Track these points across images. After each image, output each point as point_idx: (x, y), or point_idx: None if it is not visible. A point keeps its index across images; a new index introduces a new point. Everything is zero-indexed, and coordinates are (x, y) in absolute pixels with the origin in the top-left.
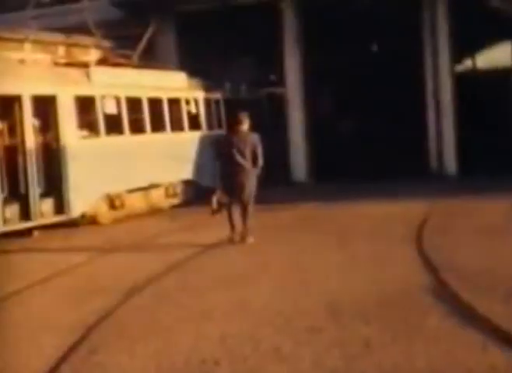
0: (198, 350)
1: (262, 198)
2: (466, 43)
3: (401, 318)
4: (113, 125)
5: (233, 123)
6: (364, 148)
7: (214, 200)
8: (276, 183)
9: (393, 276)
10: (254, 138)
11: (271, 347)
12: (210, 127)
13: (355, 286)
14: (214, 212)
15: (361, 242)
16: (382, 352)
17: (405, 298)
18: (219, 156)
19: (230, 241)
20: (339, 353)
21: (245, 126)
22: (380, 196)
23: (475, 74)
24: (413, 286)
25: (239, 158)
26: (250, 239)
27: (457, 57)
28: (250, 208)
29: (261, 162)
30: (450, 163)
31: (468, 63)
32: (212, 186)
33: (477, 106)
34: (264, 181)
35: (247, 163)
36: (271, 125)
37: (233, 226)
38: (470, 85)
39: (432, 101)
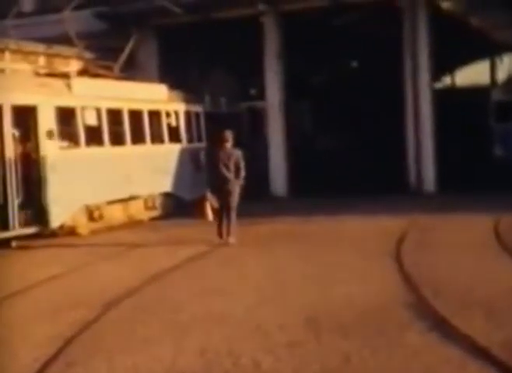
0: (177, 364)
1: (242, 212)
2: (446, 61)
3: (380, 333)
4: (94, 136)
5: (218, 140)
6: (343, 163)
7: (208, 208)
8: (256, 197)
9: (372, 291)
10: (238, 154)
11: (251, 362)
12: (190, 139)
13: (335, 301)
14: (209, 216)
15: (340, 257)
16: (362, 367)
17: (384, 313)
18: (210, 169)
19: (219, 240)
20: (319, 368)
21: (230, 143)
22: (359, 212)
23: (454, 92)
24: (393, 301)
25: (224, 170)
26: (233, 240)
27: (436, 74)
28: (233, 214)
29: (243, 174)
30: (429, 180)
31: (447, 80)
32: (192, 198)
33: (456, 123)
34: (245, 195)
35: (231, 175)
36: (251, 139)
37: (220, 232)
38: (449, 103)
39: (411, 118)
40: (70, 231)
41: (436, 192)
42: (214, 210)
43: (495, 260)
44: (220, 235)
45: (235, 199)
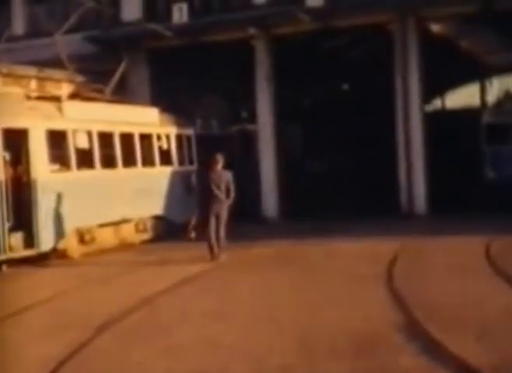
0: None
1: (234, 234)
2: (436, 84)
3: (373, 357)
4: (85, 159)
5: (209, 162)
6: (334, 186)
7: (190, 227)
8: (247, 219)
9: (365, 314)
10: (228, 176)
11: None
12: (181, 162)
13: (327, 324)
14: (191, 237)
15: (332, 280)
16: None
17: (376, 336)
18: (201, 191)
19: (211, 257)
20: None
21: (220, 165)
22: (350, 235)
23: (445, 114)
24: (385, 324)
25: (215, 191)
26: (223, 257)
27: (427, 97)
28: (223, 232)
29: (233, 194)
30: (420, 202)
31: (438, 103)
32: (183, 221)
33: (447, 145)
34: (236, 217)
35: (222, 195)
36: (243, 162)
37: (211, 248)
38: (440, 125)
39: (402, 140)
40: (61, 255)
41: (428, 214)
42: (198, 230)
43: (486, 283)
44: (212, 253)
45: (224, 219)
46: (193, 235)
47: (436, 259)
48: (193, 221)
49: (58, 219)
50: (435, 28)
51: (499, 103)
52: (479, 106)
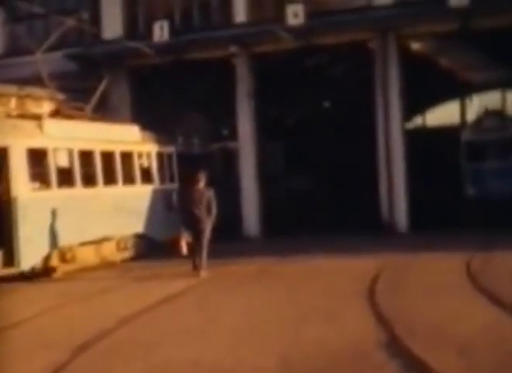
0: None
1: (215, 252)
2: (417, 101)
3: None
4: (66, 178)
5: (191, 180)
6: (316, 203)
7: (183, 243)
8: (229, 237)
9: (346, 331)
10: (209, 194)
11: None
12: (162, 180)
13: (309, 342)
14: (184, 253)
15: (314, 297)
16: None
17: (358, 354)
18: (182, 208)
19: (192, 274)
20: None
21: (202, 183)
22: (331, 252)
23: (425, 132)
24: (367, 341)
25: (197, 210)
26: (205, 275)
27: (408, 114)
28: (205, 250)
29: (214, 212)
30: (402, 219)
31: (418, 120)
32: (163, 239)
33: (427, 162)
34: (217, 235)
35: (203, 213)
36: (224, 179)
37: (194, 266)
38: (421, 142)
39: (383, 157)
40: (42, 273)
41: (409, 231)
42: (188, 246)
43: (467, 300)
44: (194, 270)
45: (206, 236)
46: (184, 250)
47: (417, 275)
48: (184, 237)
49: (39, 238)
50: (415, 46)
51: (479, 121)
52: (459, 123)
